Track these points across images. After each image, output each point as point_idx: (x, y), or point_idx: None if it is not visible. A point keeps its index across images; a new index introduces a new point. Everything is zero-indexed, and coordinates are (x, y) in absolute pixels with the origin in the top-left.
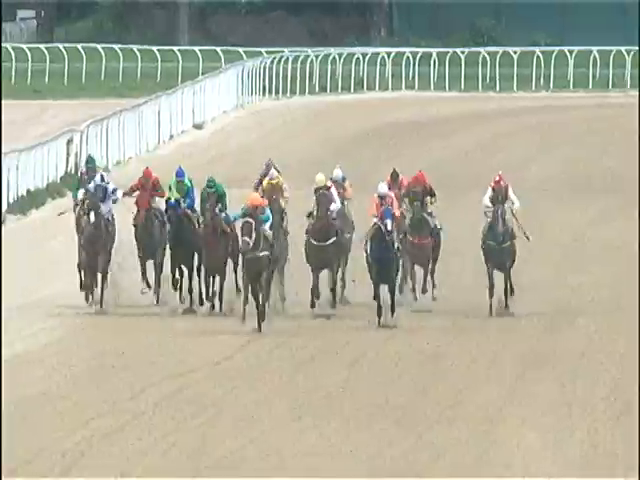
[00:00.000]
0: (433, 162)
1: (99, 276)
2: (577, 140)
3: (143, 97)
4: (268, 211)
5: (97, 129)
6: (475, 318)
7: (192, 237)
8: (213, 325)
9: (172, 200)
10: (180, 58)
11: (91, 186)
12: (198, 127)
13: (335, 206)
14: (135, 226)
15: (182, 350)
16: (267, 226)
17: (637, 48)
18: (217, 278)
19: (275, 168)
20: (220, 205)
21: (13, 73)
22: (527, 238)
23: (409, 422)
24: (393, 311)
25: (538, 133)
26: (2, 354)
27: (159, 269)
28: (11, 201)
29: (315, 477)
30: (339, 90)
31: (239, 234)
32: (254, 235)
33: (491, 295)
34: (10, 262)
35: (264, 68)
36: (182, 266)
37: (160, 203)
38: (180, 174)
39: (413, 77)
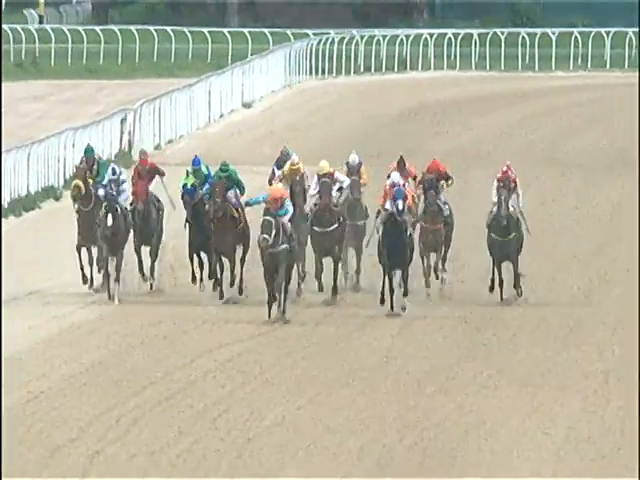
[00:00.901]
0: (473, 139)
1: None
2: (613, 117)
3: (194, 77)
4: (288, 203)
5: (150, 108)
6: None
7: (208, 223)
8: (262, 298)
9: (189, 186)
10: (230, 40)
11: (105, 182)
12: (247, 106)
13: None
14: (132, 212)
15: (231, 320)
16: (286, 218)
17: None
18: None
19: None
20: (235, 189)
21: (69, 54)
22: (528, 232)
23: (453, 388)
24: (406, 294)
25: (575, 111)
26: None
27: (154, 256)
28: (67, 177)
29: (364, 442)
30: (383, 70)
31: (260, 231)
32: (273, 232)
33: (491, 289)
34: (62, 241)
35: (311, 49)
36: (200, 252)
37: (163, 190)
38: (196, 162)
39: (455, 57)
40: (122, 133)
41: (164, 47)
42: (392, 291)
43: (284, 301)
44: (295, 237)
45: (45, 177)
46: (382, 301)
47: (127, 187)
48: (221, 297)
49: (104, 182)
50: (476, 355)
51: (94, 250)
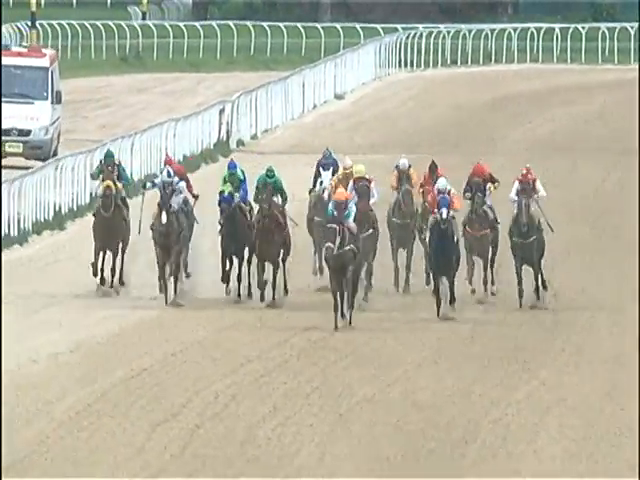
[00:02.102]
0: (554, 129)
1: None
2: None
3: (289, 70)
4: (352, 204)
5: (247, 99)
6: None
7: (244, 229)
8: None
9: (226, 193)
10: (323, 34)
11: (158, 181)
12: (339, 97)
13: (373, 200)
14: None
15: (326, 302)
16: (351, 219)
17: None
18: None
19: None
20: (279, 196)
21: (171, 48)
22: (551, 229)
23: (536, 366)
24: (453, 301)
25: None
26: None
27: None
28: None
29: (450, 418)
30: (468, 63)
31: (324, 238)
32: (338, 239)
33: (520, 293)
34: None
35: (400, 43)
36: (233, 257)
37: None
38: (232, 166)
39: (537, 51)
40: (220, 123)
41: (261, 41)
42: (439, 298)
43: (350, 307)
44: (360, 238)
45: (148, 165)
46: (437, 300)
47: (183, 190)
48: (262, 299)
49: (157, 181)
50: (557, 335)
51: (109, 253)
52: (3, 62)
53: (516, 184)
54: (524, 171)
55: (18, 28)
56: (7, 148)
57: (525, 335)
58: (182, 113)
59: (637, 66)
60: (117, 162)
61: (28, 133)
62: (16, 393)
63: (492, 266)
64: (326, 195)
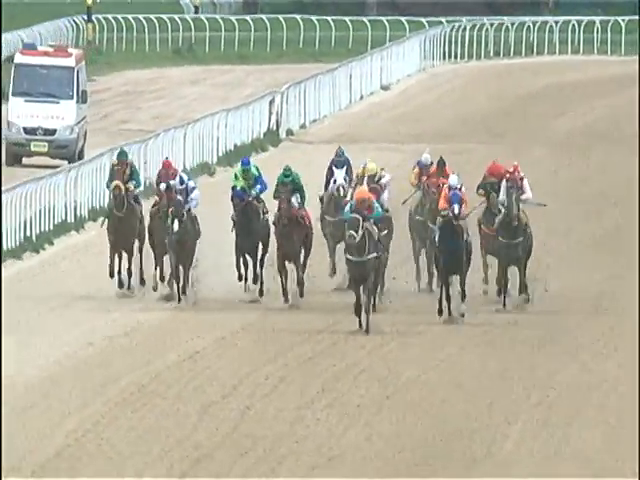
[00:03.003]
0: (595, 119)
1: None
2: None
3: (337, 62)
4: (377, 205)
5: (296, 91)
6: None
7: (257, 226)
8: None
9: (238, 188)
10: (369, 27)
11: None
12: (385, 88)
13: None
14: (151, 219)
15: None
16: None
17: None
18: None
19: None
20: (299, 195)
21: (222, 41)
22: (543, 204)
23: (576, 349)
24: (464, 298)
25: None
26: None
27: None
28: (220, 155)
29: (492, 399)
30: (511, 55)
31: (346, 230)
32: (360, 232)
33: (499, 292)
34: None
35: (444, 36)
36: (247, 256)
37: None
38: (246, 162)
39: (578, 43)
40: (270, 114)
41: (309, 35)
42: (449, 298)
43: (370, 310)
44: (383, 243)
45: (200, 154)
46: (440, 312)
47: (197, 195)
48: (286, 301)
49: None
50: (597, 319)
51: (124, 255)
52: (29, 61)
53: (504, 183)
54: (511, 169)
55: (75, 22)
56: (33, 147)
57: (566, 321)
58: (233, 104)
59: None
60: (130, 163)
61: (53, 132)
62: (73, 375)
63: (525, 271)
64: (349, 196)
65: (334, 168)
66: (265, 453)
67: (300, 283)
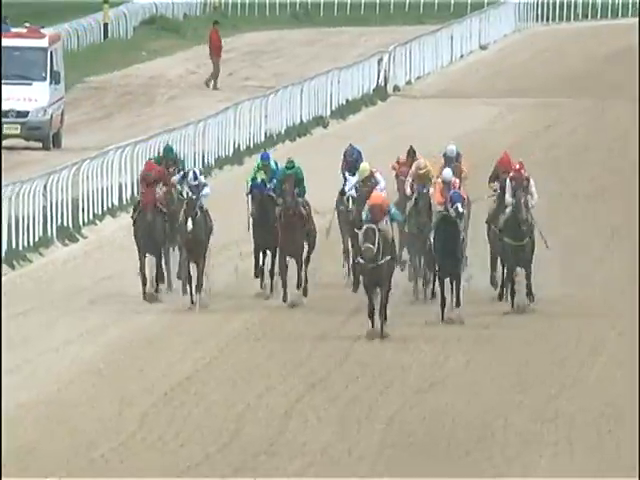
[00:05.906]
0: None
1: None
2: None
3: (439, 25)
4: (392, 207)
5: (402, 50)
6: None
7: (275, 220)
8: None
9: (258, 180)
10: None
11: (185, 187)
12: (483, 48)
13: (380, 187)
14: (135, 222)
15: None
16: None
17: None
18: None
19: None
20: (298, 189)
21: (335, 6)
22: (546, 245)
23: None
24: (459, 304)
25: None
26: None
27: (162, 267)
28: (333, 109)
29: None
30: (598, 17)
31: (361, 240)
32: (377, 241)
33: (501, 297)
34: (323, 167)
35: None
36: (267, 250)
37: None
38: (265, 156)
39: None
40: (379, 71)
41: (414, 0)
42: (444, 300)
43: (385, 311)
44: (396, 246)
45: (315, 108)
46: (442, 318)
47: (209, 190)
48: (285, 300)
49: (185, 187)
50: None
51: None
52: (2, 43)
53: (508, 182)
54: (517, 166)
55: None
56: (5, 130)
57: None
58: (345, 63)
59: None
60: (177, 157)
61: (26, 114)
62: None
63: (530, 272)
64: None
65: (347, 174)
66: (374, 378)
67: (302, 280)
